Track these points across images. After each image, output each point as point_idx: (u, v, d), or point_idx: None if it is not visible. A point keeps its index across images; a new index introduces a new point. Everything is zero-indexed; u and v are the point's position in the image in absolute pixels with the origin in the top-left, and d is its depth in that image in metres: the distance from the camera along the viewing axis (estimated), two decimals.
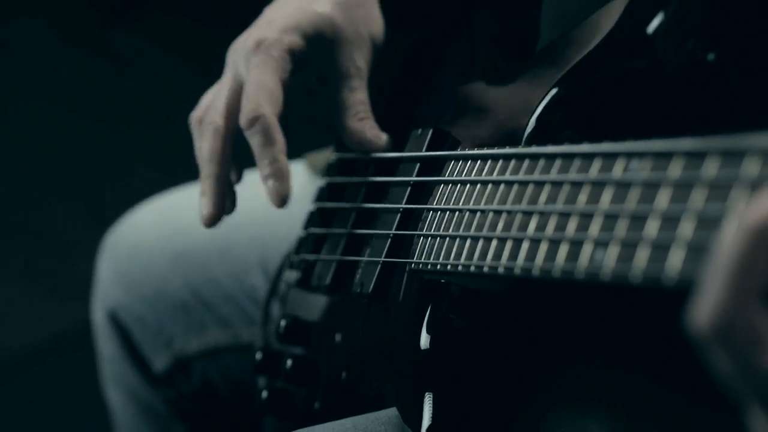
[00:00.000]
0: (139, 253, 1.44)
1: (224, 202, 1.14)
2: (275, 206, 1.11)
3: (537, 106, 0.94)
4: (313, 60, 1.14)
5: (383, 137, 1.13)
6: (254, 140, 1.10)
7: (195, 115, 1.16)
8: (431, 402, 0.94)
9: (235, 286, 1.40)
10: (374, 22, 1.16)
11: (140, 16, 3.21)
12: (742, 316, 0.62)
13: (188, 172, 1.62)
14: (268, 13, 1.16)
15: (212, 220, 1.13)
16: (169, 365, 1.43)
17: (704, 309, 0.63)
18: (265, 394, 1.17)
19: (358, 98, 1.13)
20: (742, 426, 0.86)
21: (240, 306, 1.40)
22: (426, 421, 0.94)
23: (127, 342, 1.44)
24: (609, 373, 0.92)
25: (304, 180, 1.39)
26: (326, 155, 1.32)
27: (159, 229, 1.44)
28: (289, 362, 1.14)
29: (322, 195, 1.21)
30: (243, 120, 1.10)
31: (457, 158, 0.99)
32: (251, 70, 1.11)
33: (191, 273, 1.41)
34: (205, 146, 1.12)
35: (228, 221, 1.42)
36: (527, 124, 0.94)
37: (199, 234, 1.42)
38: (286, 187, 1.10)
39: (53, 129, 2.96)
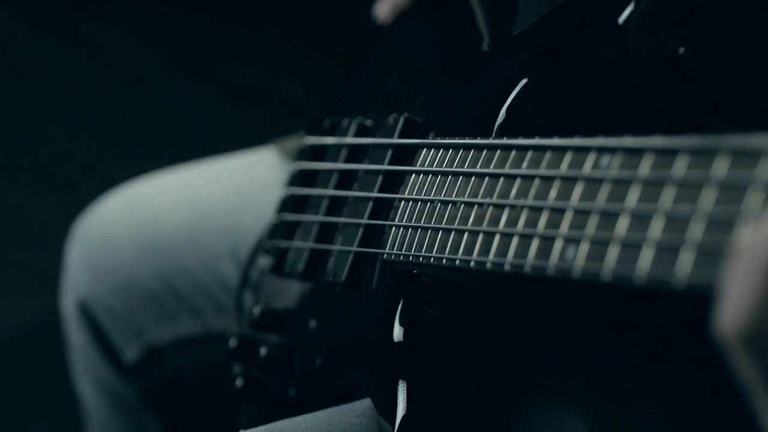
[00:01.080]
0: (108, 243, 1.43)
1: None
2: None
3: (508, 96, 0.93)
4: None
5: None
6: None
7: None
8: (405, 392, 0.94)
9: (206, 275, 1.39)
10: None
11: (109, 2, 3.18)
12: None
13: (160, 160, 1.61)
14: None
15: None
16: (140, 356, 1.42)
17: (734, 313, 0.60)
18: (240, 382, 1.16)
19: None
20: (720, 414, 0.86)
21: (211, 295, 1.39)
22: (401, 411, 0.94)
23: (97, 332, 1.43)
24: (586, 362, 0.93)
25: (273, 167, 1.38)
26: (297, 141, 1.32)
27: (128, 218, 1.43)
28: (263, 350, 1.13)
29: (295, 180, 1.20)
30: None
31: (429, 146, 0.99)
32: None
33: (161, 262, 1.40)
34: None
35: (198, 209, 1.41)
36: (498, 114, 0.94)
37: (169, 222, 1.41)
38: None
39: (23, 118, 2.92)
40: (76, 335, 1.46)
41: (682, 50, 0.83)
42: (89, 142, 2.82)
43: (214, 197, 1.41)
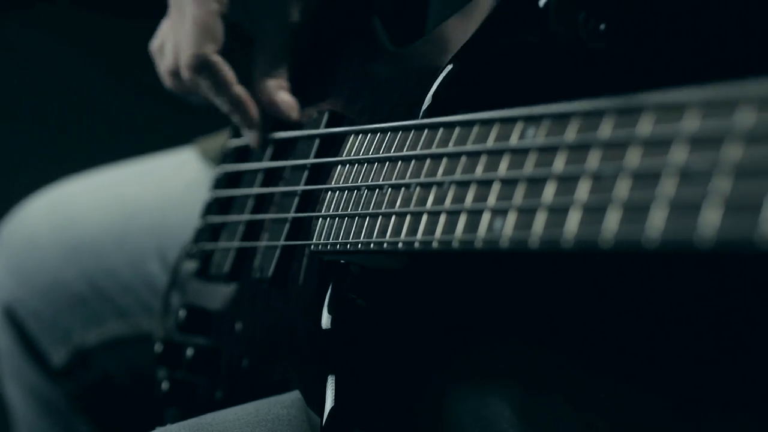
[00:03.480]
0: (32, 246, 1.41)
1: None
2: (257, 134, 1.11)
3: (432, 83, 0.93)
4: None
5: (293, 105, 1.10)
6: (204, 84, 1.10)
7: (155, 45, 1.16)
8: (334, 384, 0.93)
9: (133, 276, 1.38)
10: None
11: (32, 2, 3.13)
12: None
13: (82, 160, 1.59)
14: None
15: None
16: (68, 359, 1.40)
17: None
18: (166, 385, 1.15)
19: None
20: (641, 393, 0.86)
21: (138, 295, 1.38)
22: (329, 403, 0.93)
23: (24, 337, 1.41)
24: (512, 348, 0.92)
25: (197, 167, 1.37)
26: (219, 141, 1.31)
27: (52, 220, 1.42)
28: (189, 352, 1.12)
29: (219, 183, 1.19)
30: (185, 65, 1.09)
31: (356, 133, 0.98)
32: (189, 5, 1.10)
33: (87, 264, 1.38)
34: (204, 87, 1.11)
35: (123, 210, 1.40)
36: (423, 102, 0.93)
37: (94, 223, 1.39)
38: (252, 116, 1.10)
39: None
40: (2, 340, 1.43)
41: (602, 27, 0.84)
42: (9, 144, 2.77)
43: (139, 197, 1.40)
